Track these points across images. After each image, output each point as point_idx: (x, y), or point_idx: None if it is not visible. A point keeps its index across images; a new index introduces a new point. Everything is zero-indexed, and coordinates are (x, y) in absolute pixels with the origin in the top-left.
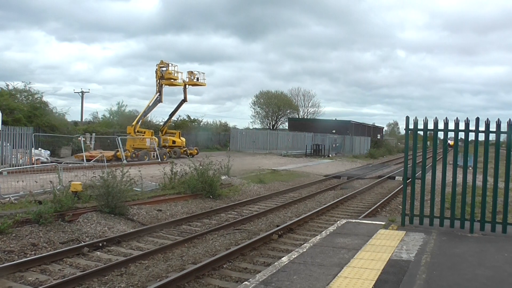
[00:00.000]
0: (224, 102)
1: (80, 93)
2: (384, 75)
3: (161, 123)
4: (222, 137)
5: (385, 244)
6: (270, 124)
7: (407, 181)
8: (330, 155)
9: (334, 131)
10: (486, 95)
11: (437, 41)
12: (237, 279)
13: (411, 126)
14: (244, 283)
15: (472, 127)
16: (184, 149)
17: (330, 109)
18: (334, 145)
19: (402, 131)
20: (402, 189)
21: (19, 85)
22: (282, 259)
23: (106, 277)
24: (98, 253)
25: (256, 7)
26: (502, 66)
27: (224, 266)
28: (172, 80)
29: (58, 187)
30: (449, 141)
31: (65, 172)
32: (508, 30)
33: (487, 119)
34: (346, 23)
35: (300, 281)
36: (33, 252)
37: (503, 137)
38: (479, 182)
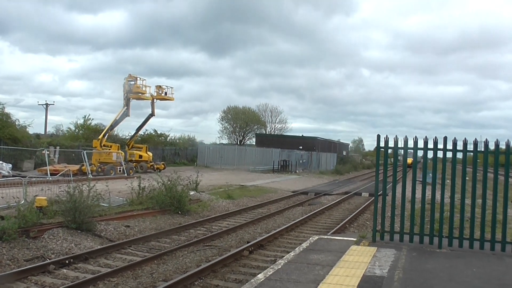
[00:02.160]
0: (191, 116)
1: (44, 105)
2: (349, 92)
3: (128, 137)
4: (189, 152)
5: (358, 260)
6: (237, 139)
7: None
8: (297, 171)
9: (301, 147)
10: (446, 113)
11: (400, 61)
12: None
13: (382, 144)
14: None
15: (446, 146)
16: (151, 163)
17: (297, 125)
18: (301, 161)
19: (367, 148)
20: (368, 205)
21: None
22: (258, 275)
23: None
24: (65, 270)
25: (224, 24)
26: (462, 86)
27: (196, 283)
28: (140, 94)
29: (22, 202)
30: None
31: (29, 187)
32: (465, 52)
33: (465, 138)
34: (312, 42)
35: None
36: None
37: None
38: (446, 199)
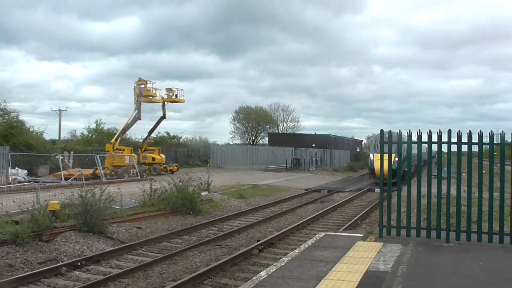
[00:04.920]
0: (205, 118)
1: (58, 112)
2: (361, 89)
3: (140, 140)
4: (202, 153)
5: (362, 256)
6: (250, 139)
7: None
8: (310, 169)
9: (314, 145)
10: (461, 107)
11: (410, 56)
12: None
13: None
14: None
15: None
16: (164, 165)
17: (310, 123)
18: (314, 159)
19: None
20: None
21: None
22: (260, 273)
23: None
24: (77, 272)
25: (235, 26)
26: (475, 80)
27: (205, 282)
28: (151, 97)
29: (35, 206)
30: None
31: (43, 191)
32: (477, 45)
33: (469, 131)
34: (322, 41)
35: None
36: (9, 274)
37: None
38: (454, 193)
